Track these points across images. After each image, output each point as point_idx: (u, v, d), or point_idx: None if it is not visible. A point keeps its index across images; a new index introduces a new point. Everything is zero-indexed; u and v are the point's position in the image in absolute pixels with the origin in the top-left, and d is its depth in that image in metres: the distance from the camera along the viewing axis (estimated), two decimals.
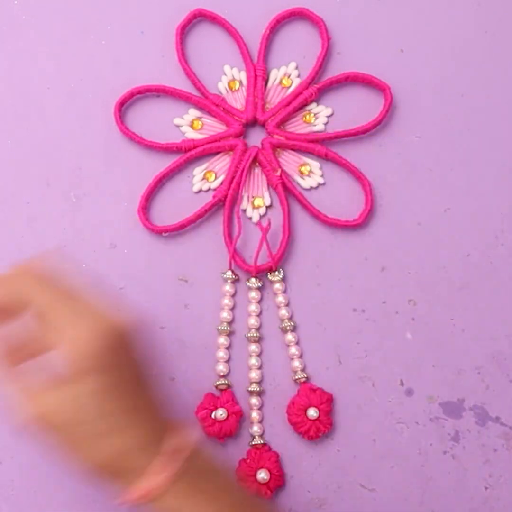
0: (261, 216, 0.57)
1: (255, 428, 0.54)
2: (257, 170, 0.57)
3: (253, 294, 0.56)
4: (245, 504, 0.43)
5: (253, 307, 0.55)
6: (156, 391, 0.43)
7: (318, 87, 0.57)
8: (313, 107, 0.58)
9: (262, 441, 0.54)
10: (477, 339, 0.56)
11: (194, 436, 0.43)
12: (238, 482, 0.43)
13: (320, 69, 0.58)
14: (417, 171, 0.58)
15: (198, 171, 0.57)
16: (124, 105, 0.57)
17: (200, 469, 0.42)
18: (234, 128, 0.56)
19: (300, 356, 0.56)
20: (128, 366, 0.41)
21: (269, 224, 0.54)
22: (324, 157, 0.57)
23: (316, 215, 0.56)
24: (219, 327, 0.55)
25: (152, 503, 0.41)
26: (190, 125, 0.57)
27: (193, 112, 0.57)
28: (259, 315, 0.56)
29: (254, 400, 0.55)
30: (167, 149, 0.56)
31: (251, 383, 0.55)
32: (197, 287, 0.56)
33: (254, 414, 0.55)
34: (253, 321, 0.55)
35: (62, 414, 0.40)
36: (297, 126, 0.58)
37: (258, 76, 0.57)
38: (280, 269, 0.56)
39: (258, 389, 0.55)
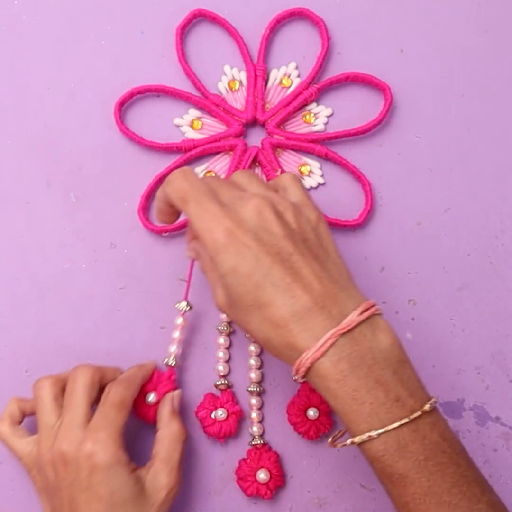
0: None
1: (255, 428, 0.54)
2: (257, 170, 0.57)
3: None
4: (396, 393, 0.41)
5: None
6: (319, 260, 0.44)
7: (318, 87, 0.57)
8: (313, 107, 0.58)
9: (262, 441, 0.54)
10: (477, 339, 0.56)
11: (367, 311, 0.42)
12: (394, 379, 0.42)
13: (320, 69, 0.58)
14: (417, 171, 0.58)
15: (198, 171, 0.57)
16: (124, 105, 0.57)
17: (357, 352, 0.41)
18: (234, 128, 0.56)
19: None
20: (263, 242, 0.42)
21: None
22: (324, 157, 0.57)
23: None
24: (219, 327, 0.55)
25: (312, 383, 0.43)
26: (190, 125, 0.57)
27: (193, 112, 0.57)
28: None
29: (254, 400, 0.55)
30: (167, 149, 0.56)
31: (251, 383, 0.55)
32: (197, 287, 0.56)
33: (254, 414, 0.55)
34: None
35: (224, 299, 0.44)
36: (297, 126, 0.58)
37: (258, 76, 0.57)
38: None
39: (258, 389, 0.55)
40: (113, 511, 0.46)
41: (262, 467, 0.53)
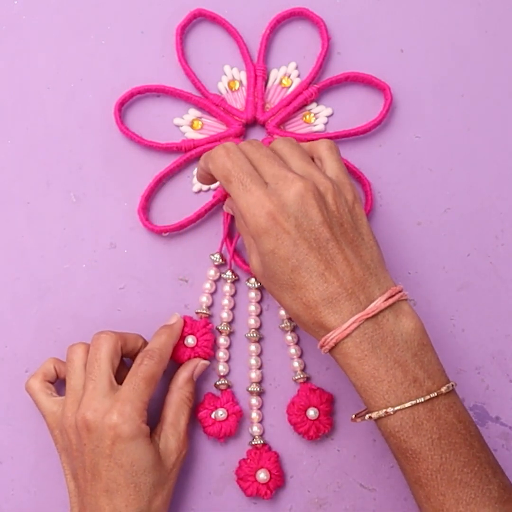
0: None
1: (255, 428, 0.54)
2: None
3: (253, 294, 0.56)
4: (414, 374, 0.44)
5: (253, 307, 0.55)
6: (357, 245, 0.46)
7: (318, 87, 0.57)
8: (313, 107, 0.58)
9: (262, 441, 0.54)
10: (477, 339, 0.56)
11: (392, 297, 0.45)
12: (414, 360, 0.44)
13: (320, 69, 0.58)
14: (417, 171, 0.58)
15: None
16: (124, 105, 0.57)
17: (379, 334, 0.44)
18: (234, 128, 0.56)
19: (300, 356, 0.56)
20: (304, 226, 0.44)
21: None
22: None
23: None
24: (219, 327, 0.55)
25: (336, 359, 0.45)
26: (190, 125, 0.57)
27: (193, 112, 0.57)
28: (259, 315, 0.56)
29: (254, 400, 0.55)
30: (167, 149, 0.56)
31: (251, 383, 0.55)
32: (197, 287, 0.56)
33: (254, 414, 0.55)
34: (253, 321, 0.55)
35: (261, 269, 0.47)
36: (297, 126, 0.58)
37: (258, 76, 0.57)
38: None
39: (258, 389, 0.55)
40: (133, 479, 0.48)
41: (262, 467, 0.53)
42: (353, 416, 0.47)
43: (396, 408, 0.43)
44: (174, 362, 0.54)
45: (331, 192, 0.45)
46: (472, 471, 0.43)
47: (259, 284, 0.55)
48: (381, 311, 0.44)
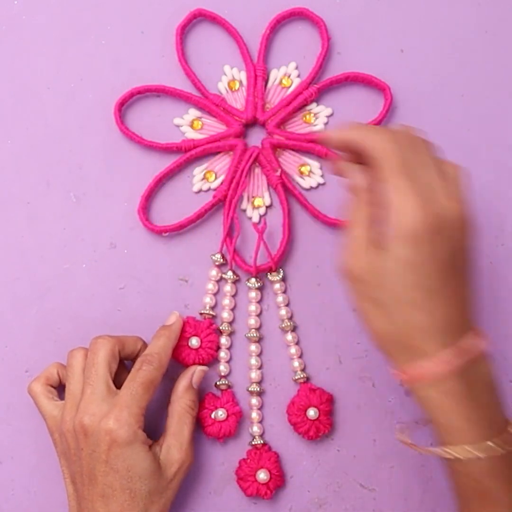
0: (261, 216, 0.57)
1: (255, 428, 0.54)
2: (257, 170, 0.57)
3: (253, 294, 0.56)
4: (499, 432, 0.43)
5: (253, 307, 0.55)
6: (469, 286, 0.44)
7: (318, 87, 0.57)
8: (313, 107, 0.58)
9: (262, 441, 0.54)
10: None
11: (485, 345, 0.44)
12: (503, 410, 0.44)
13: (320, 69, 0.58)
14: None
15: (198, 171, 0.57)
16: (124, 105, 0.57)
17: (478, 378, 0.43)
18: (234, 128, 0.56)
19: (300, 356, 0.56)
20: (446, 251, 0.42)
21: (265, 225, 0.54)
22: (324, 157, 0.57)
23: (316, 215, 0.56)
24: (221, 327, 0.55)
25: (419, 389, 0.43)
26: (190, 125, 0.57)
27: (193, 112, 0.57)
28: (259, 315, 0.56)
29: (254, 400, 0.55)
30: (167, 149, 0.56)
31: (251, 383, 0.55)
32: (197, 287, 0.56)
33: (254, 414, 0.55)
34: (253, 321, 0.55)
35: (369, 273, 0.43)
36: (297, 126, 0.58)
37: (258, 76, 0.57)
38: (280, 269, 0.56)
39: (258, 389, 0.55)
40: (129, 484, 0.47)
41: (262, 467, 0.53)
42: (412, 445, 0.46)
43: (482, 453, 0.42)
44: (180, 364, 0.54)
45: (469, 228, 0.44)
46: None
47: (260, 284, 0.55)
48: (480, 352, 0.44)
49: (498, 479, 0.43)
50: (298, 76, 0.58)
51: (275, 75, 0.58)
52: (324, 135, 0.46)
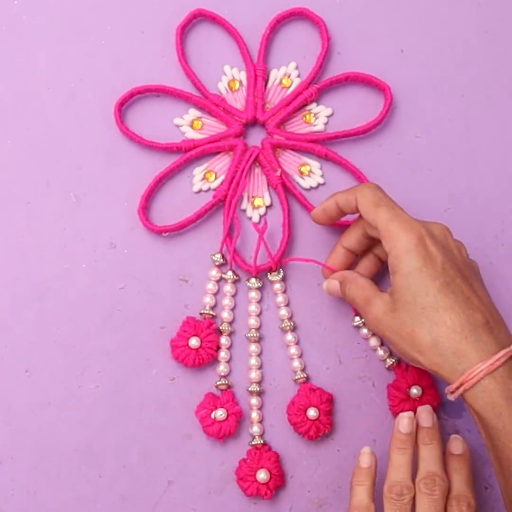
0: (261, 216, 0.57)
1: (255, 428, 0.54)
2: (257, 170, 0.57)
3: (253, 294, 0.56)
4: None
5: (253, 307, 0.55)
6: (487, 291, 0.48)
7: (318, 87, 0.57)
8: (313, 107, 0.58)
9: (262, 441, 0.54)
10: None
11: None
12: None
13: (320, 69, 0.58)
14: (417, 171, 0.58)
15: (198, 171, 0.57)
16: (124, 105, 0.57)
17: None
18: (234, 128, 0.56)
19: (300, 356, 0.56)
20: (441, 251, 0.47)
21: (265, 225, 0.54)
22: (324, 157, 0.57)
23: None
24: (221, 327, 0.55)
25: (470, 394, 0.44)
26: (190, 125, 0.57)
27: (193, 112, 0.57)
28: (259, 315, 0.56)
29: (254, 400, 0.55)
30: (167, 149, 0.56)
31: (251, 383, 0.55)
32: (197, 287, 0.56)
33: (254, 414, 0.55)
34: (253, 321, 0.55)
35: (383, 311, 0.47)
36: (297, 126, 0.58)
37: (258, 76, 0.57)
38: (280, 269, 0.56)
39: (258, 389, 0.55)
40: None
41: (262, 467, 0.53)
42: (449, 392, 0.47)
43: None
44: (179, 364, 0.54)
45: (464, 249, 0.50)
46: None
47: (260, 284, 0.55)
48: None
49: None
50: (298, 76, 0.58)
51: (275, 75, 0.58)
52: (316, 214, 0.53)
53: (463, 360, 0.44)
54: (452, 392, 0.45)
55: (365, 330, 0.55)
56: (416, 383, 0.54)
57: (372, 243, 0.53)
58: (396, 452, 0.49)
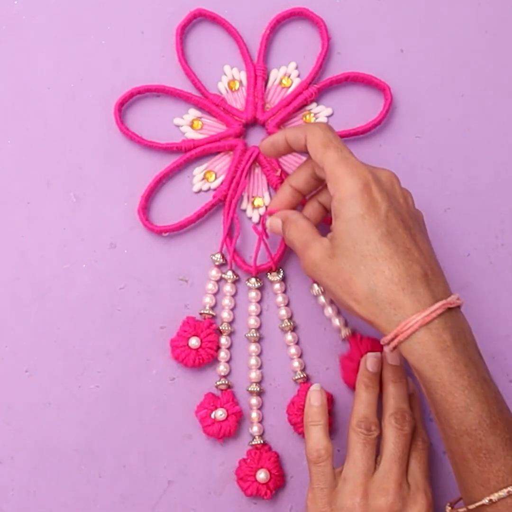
0: (261, 216, 0.57)
1: (255, 428, 0.54)
2: (257, 170, 0.57)
3: (253, 294, 0.56)
4: (483, 374, 0.44)
5: (253, 307, 0.55)
6: (431, 247, 0.48)
7: (318, 87, 0.57)
8: (313, 107, 0.58)
9: (262, 441, 0.54)
10: (477, 339, 0.56)
11: (462, 301, 0.46)
12: (480, 360, 0.45)
13: (320, 69, 0.58)
14: (417, 171, 0.58)
15: (198, 171, 0.57)
16: (124, 105, 0.57)
17: (460, 331, 0.44)
18: (234, 128, 0.56)
19: (300, 356, 0.56)
20: (386, 199, 0.46)
21: (264, 227, 0.54)
22: None
23: None
24: (220, 327, 0.55)
25: (405, 345, 0.44)
26: (190, 125, 0.57)
27: (193, 112, 0.57)
28: (259, 315, 0.56)
29: (254, 400, 0.55)
30: (167, 149, 0.56)
31: (251, 383, 0.55)
32: (197, 287, 0.56)
33: (254, 414, 0.55)
34: (253, 321, 0.55)
35: (321, 256, 0.46)
36: None
37: (258, 76, 0.57)
38: (280, 269, 0.56)
39: (258, 389, 0.55)
40: None
41: (262, 467, 0.53)
42: (449, 508, 0.48)
43: (476, 406, 0.43)
44: (180, 364, 0.54)
45: (411, 198, 0.48)
46: None
47: (260, 284, 0.55)
48: (457, 306, 0.45)
49: (499, 435, 0.43)
50: (298, 76, 0.58)
51: (275, 75, 0.58)
52: (264, 147, 0.52)
53: (399, 311, 0.44)
54: (388, 344, 0.45)
55: (322, 299, 0.55)
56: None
57: (319, 184, 0.52)
58: (364, 390, 0.50)
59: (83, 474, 0.54)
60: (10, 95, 0.57)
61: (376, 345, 0.53)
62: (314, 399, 0.51)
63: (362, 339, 0.54)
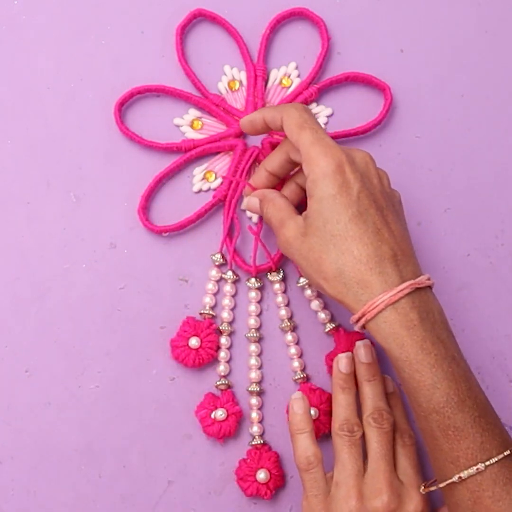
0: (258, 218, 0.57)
1: (255, 428, 0.54)
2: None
3: (253, 294, 0.56)
4: (452, 352, 0.45)
5: (253, 307, 0.55)
6: (406, 228, 0.48)
7: (318, 87, 0.57)
8: (313, 107, 0.58)
9: (262, 441, 0.54)
10: (477, 339, 0.56)
11: (432, 281, 0.46)
12: (449, 338, 0.46)
13: (320, 69, 0.58)
14: (417, 171, 0.58)
15: (198, 171, 0.57)
16: (124, 105, 0.57)
17: (428, 310, 0.45)
18: (234, 128, 0.56)
19: (300, 356, 0.56)
20: (360, 180, 0.46)
21: (261, 225, 0.54)
22: None
23: None
24: (220, 327, 0.55)
25: (372, 323, 0.45)
26: (190, 125, 0.57)
27: (193, 112, 0.57)
28: (259, 315, 0.56)
29: (254, 400, 0.55)
30: (167, 149, 0.56)
31: (251, 383, 0.55)
32: (197, 287, 0.56)
33: (254, 414, 0.55)
34: (253, 321, 0.55)
35: (294, 234, 0.47)
36: None
37: (258, 76, 0.57)
38: (280, 269, 0.56)
39: (258, 389, 0.55)
40: None
41: (262, 467, 0.53)
42: (422, 487, 0.48)
43: (443, 383, 0.43)
44: (180, 364, 0.54)
45: (387, 178, 0.49)
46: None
47: (260, 284, 0.55)
48: (426, 287, 0.45)
49: (467, 413, 0.43)
50: (298, 76, 0.58)
51: (275, 75, 0.58)
52: (243, 124, 0.53)
53: (367, 290, 0.44)
54: (356, 322, 0.45)
55: (308, 291, 0.55)
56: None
57: (294, 167, 0.52)
58: (341, 392, 0.51)
59: (83, 474, 0.54)
60: (10, 95, 0.57)
61: (359, 340, 0.54)
62: (297, 407, 0.51)
63: (346, 334, 0.54)
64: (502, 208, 0.58)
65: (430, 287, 0.46)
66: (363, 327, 0.45)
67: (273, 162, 0.52)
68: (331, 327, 0.55)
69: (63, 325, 0.55)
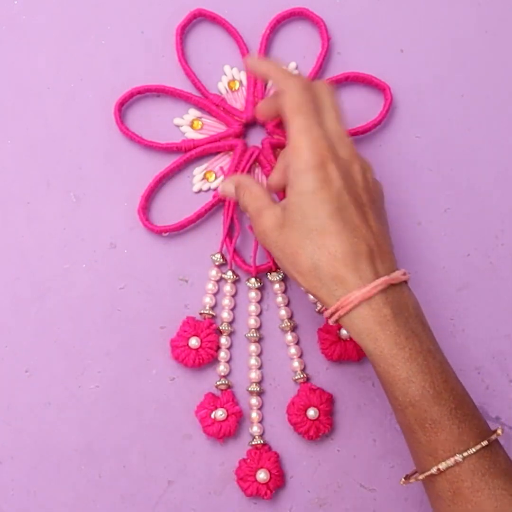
0: None
1: (255, 428, 0.54)
2: (257, 170, 0.57)
3: (253, 294, 0.56)
4: (428, 345, 0.45)
5: (253, 307, 0.55)
6: (386, 225, 0.48)
7: None
8: None
9: (262, 441, 0.54)
10: (477, 339, 0.56)
11: (408, 276, 0.46)
12: (425, 333, 0.45)
13: (320, 69, 0.58)
14: (417, 171, 0.58)
15: (198, 171, 0.57)
16: (124, 105, 0.57)
17: (403, 305, 0.45)
18: (234, 128, 0.56)
19: (300, 356, 0.56)
20: (342, 177, 0.46)
21: None
22: None
23: None
24: (220, 327, 0.55)
25: (346, 318, 0.45)
26: (190, 125, 0.57)
27: (193, 112, 0.57)
28: (259, 315, 0.56)
29: (254, 400, 0.55)
30: (167, 149, 0.56)
31: (251, 383, 0.55)
32: (197, 287, 0.56)
33: (254, 414, 0.55)
34: (253, 321, 0.55)
35: (276, 221, 0.47)
36: None
37: None
38: (280, 269, 0.56)
39: (258, 389, 0.55)
40: None
41: (262, 467, 0.53)
42: (403, 479, 0.48)
43: (418, 377, 0.43)
44: (180, 364, 0.54)
45: (370, 172, 0.48)
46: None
47: (260, 284, 0.55)
48: (400, 282, 0.45)
49: (444, 405, 0.43)
50: None
51: None
52: (248, 62, 0.52)
53: (341, 286, 0.44)
54: (329, 317, 0.45)
55: None
56: None
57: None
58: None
59: (83, 474, 0.54)
60: (10, 95, 0.57)
61: None
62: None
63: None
64: (502, 208, 0.58)
65: (406, 282, 0.46)
66: (337, 321, 0.45)
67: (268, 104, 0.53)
68: (320, 306, 0.55)
69: (63, 325, 0.55)
